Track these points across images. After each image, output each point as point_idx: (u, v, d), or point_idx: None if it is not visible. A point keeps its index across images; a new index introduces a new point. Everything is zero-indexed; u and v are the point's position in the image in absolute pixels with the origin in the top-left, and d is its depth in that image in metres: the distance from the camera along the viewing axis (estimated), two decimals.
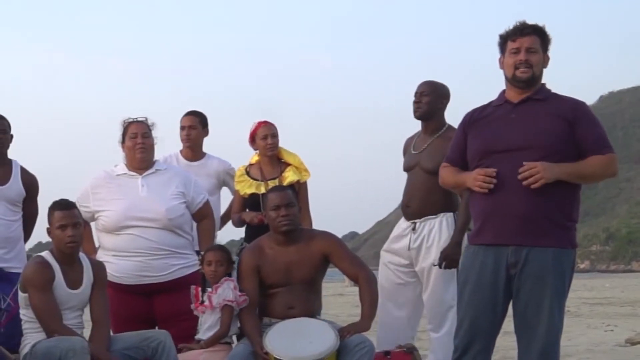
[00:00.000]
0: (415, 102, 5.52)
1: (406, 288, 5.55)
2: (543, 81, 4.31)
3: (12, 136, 5.61)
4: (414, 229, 5.48)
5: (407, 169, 5.63)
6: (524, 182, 4.05)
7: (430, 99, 5.48)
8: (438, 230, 5.41)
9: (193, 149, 6.27)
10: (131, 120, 5.36)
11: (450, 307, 5.30)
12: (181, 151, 6.29)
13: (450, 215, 5.44)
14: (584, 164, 4.13)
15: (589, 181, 4.28)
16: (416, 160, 5.53)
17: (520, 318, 4.18)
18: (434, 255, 5.37)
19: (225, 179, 6.27)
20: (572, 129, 4.12)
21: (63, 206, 4.78)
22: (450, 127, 5.47)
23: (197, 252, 5.33)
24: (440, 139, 5.42)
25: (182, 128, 6.24)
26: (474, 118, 4.39)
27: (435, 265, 5.33)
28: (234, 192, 6.25)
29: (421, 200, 5.46)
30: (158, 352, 4.66)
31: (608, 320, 12.91)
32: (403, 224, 5.61)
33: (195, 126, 6.26)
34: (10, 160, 5.59)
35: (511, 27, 4.25)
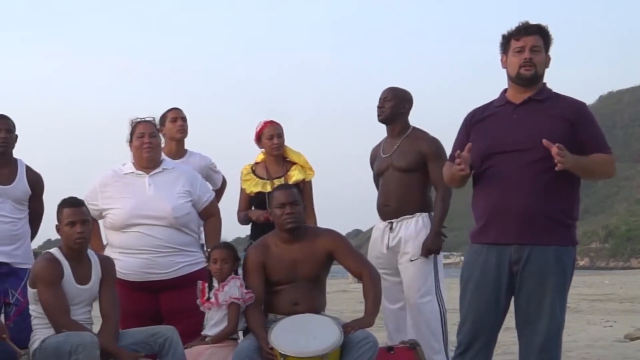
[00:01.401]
0: (378, 107, 5.72)
1: (395, 287, 5.65)
2: (544, 81, 4.30)
3: (16, 136, 5.60)
4: (391, 228, 5.60)
5: (379, 172, 5.76)
6: (558, 160, 3.95)
7: (393, 104, 5.66)
8: (415, 228, 5.55)
9: (180, 144, 6.18)
10: (139, 120, 5.36)
11: (428, 296, 5.47)
12: (162, 149, 5.90)
13: (425, 215, 5.60)
14: (592, 160, 4.13)
15: (590, 177, 4.27)
16: (388, 162, 5.67)
17: (521, 314, 4.18)
18: (410, 251, 5.52)
19: (208, 173, 6.23)
20: (573, 130, 4.12)
21: (72, 203, 4.78)
22: (415, 128, 5.71)
23: (202, 247, 5.33)
24: (408, 139, 5.63)
25: (174, 120, 6.13)
26: (476, 119, 4.39)
27: (412, 261, 5.49)
28: (215, 184, 6.27)
29: (399, 199, 5.59)
30: (165, 348, 4.66)
31: (607, 316, 12.90)
32: (380, 224, 5.74)
33: (185, 118, 6.21)
34: (15, 160, 5.58)
35: (514, 27, 4.24)
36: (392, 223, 5.60)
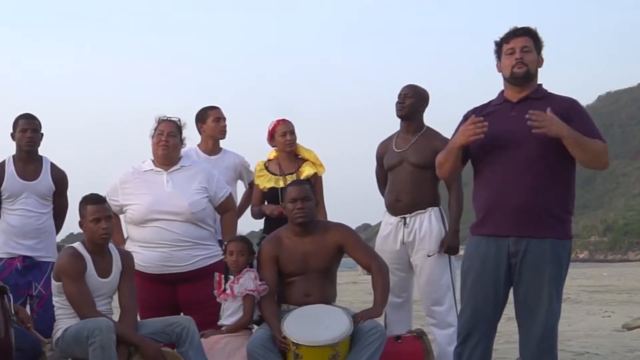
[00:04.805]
0: (399, 103, 5.62)
1: (402, 282, 5.59)
2: (540, 82, 4.31)
3: (42, 134, 5.64)
4: (404, 223, 5.53)
5: (390, 167, 5.66)
6: (531, 124, 4.01)
7: (414, 101, 5.60)
8: (428, 223, 5.49)
9: (216, 142, 6.11)
10: (164, 118, 5.37)
11: (447, 291, 5.44)
12: (199, 145, 6.09)
13: (436, 209, 5.55)
14: (590, 140, 4.09)
15: (584, 157, 4.12)
16: (401, 157, 5.59)
17: (520, 305, 4.18)
18: (427, 246, 5.46)
19: (241, 171, 6.20)
20: (568, 125, 4.11)
21: (95, 200, 4.80)
22: (429, 128, 5.64)
23: (220, 242, 5.33)
24: (424, 137, 5.57)
25: (218, 120, 6.03)
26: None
27: (429, 256, 5.44)
28: (248, 185, 6.23)
29: (411, 194, 5.52)
30: (182, 337, 4.66)
31: (606, 307, 12.88)
32: (391, 219, 5.63)
33: (226, 118, 6.14)
34: (40, 157, 5.64)
35: (505, 33, 4.28)
36: (405, 218, 5.53)
